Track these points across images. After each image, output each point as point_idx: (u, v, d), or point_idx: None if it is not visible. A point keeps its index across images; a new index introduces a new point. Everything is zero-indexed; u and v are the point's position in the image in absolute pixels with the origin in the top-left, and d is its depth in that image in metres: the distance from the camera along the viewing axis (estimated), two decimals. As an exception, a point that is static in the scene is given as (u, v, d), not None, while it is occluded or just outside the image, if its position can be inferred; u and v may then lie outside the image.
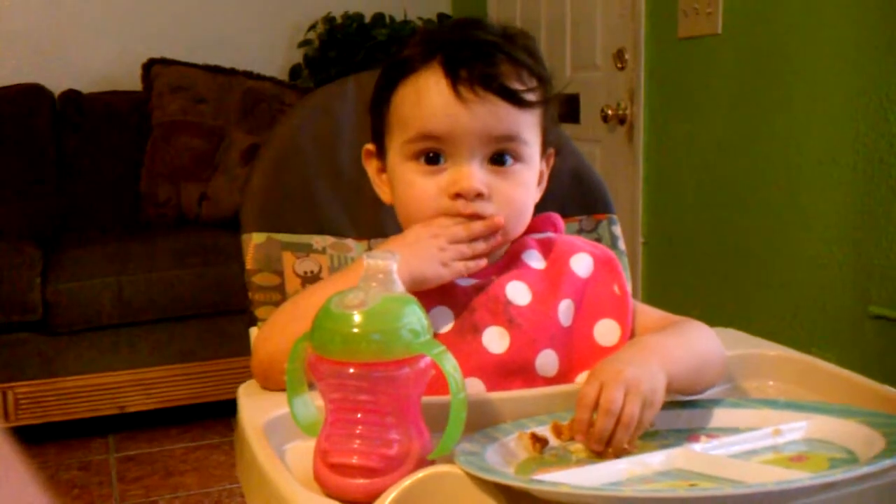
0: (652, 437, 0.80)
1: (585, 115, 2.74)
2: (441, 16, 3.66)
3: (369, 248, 1.08)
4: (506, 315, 0.91)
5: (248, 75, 3.28)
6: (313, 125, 1.12)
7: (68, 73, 3.35)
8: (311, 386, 0.74)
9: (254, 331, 1.01)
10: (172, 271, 2.75)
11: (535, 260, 0.96)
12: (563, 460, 0.76)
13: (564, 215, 1.07)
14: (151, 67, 3.25)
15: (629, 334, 0.93)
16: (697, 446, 0.75)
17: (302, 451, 0.76)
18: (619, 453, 0.74)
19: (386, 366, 0.68)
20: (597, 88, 2.67)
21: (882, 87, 1.77)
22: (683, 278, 2.42)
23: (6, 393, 2.64)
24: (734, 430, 0.80)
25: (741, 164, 2.16)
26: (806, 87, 1.95)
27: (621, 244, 1.16)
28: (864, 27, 1.80)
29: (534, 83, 0.91)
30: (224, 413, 2.81)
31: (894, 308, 1.77)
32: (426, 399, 0.72)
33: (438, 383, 0.70)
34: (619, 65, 2.57)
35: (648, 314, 0.97)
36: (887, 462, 0.64)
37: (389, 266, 0.70)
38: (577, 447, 0.77)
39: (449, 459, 0.69)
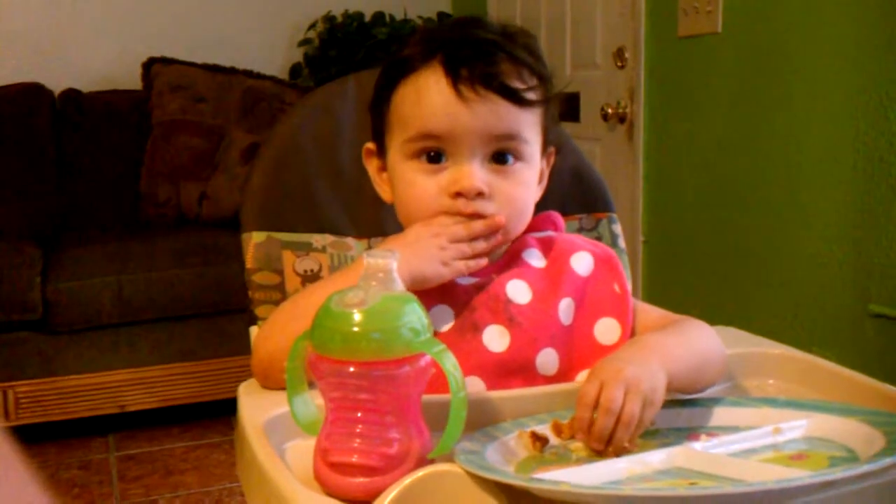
0: (652, 436, 0.80)
1: (585, 114, 2.74)
2: (441, 14, 3.66)
3: (369, 247, 1.08)
4: (506, 314, 0.91)
5: (248, 74, 3.28)
6: (313, 124, 1.12)
7: (68, 73, 3.35)
8: (311, 385, 0.74)
9: (254, 330, 1.01)
10: (172, 270, 2.75)
11: (535, 258, 0.96)
12: (563, 459, 0.76)
13: (565, 214, 1.07)
14: (151, 66, 3.25)
15: (629, 333, 0.93)
16: (698, 445, 0.75)
17: (302, 449, 0.76)
18: (620, 452, 0.74)
19: (386, 364, 0.68)
20: (597, 87, 2.67)
21: (882, 86, 1.77)
22: (683, 277, 2.42)
23: (6, 392, 2.64)
24: (734, 429, 0.80)
25: (741, 163, 2.16)
26: (806, 85, 1.95)
27: (621, 243, 1.16)
28: (864, 26, 1.80)
29: (534, 82, 0.91)
30: (224, 412, 2.81)
31: (894, 307, 1.77)
32: (426, 398, 0.72)
33: (438, 382, 0.70)
34: (619, 63, 2.57)
35: (648, 313, 0.97)
36: (887, 460, 0.64)
37: (389, 265, 0.70)
38: (578, 446, 0.77)
39: (449, 458, 0.69)
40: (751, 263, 2.15)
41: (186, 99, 3.17)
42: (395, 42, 3.20)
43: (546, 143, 0.96)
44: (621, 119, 2.58)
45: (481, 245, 0.89)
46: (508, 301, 0.91)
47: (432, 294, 0.89)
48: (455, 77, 0.88)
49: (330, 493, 0.69)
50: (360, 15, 3.52)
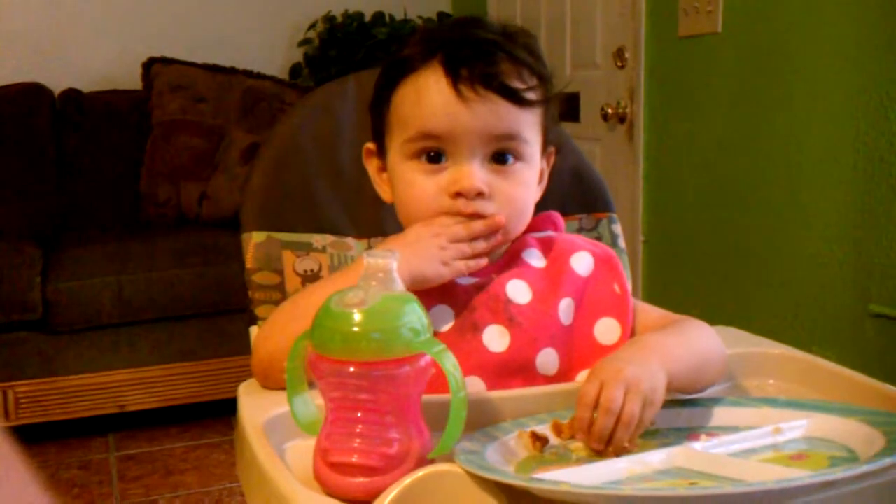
0: (652, 436, 0.80)
1: (585, 114, 2.74)
2: (441, 14, 3.66)
3: (369, 247, 1.08)
4: (506, 314, 0.91)
5: (248, 74, 3.28)
6: (313, 124, 1.12)
7: (68, 73, 3.35)
8: (311, 385, 0.74)
9: (254, 330, 1.01)
10: (172, 270, 2.75)
11: (535, 258, 0.96)
12: (563, 459, 0.76)
13: (564, 214, 1.07)
14: (151, 66, 3.25)
15: (629, 333, 0.93)
16: (698, 445, 0.75)
17: (302, 449, 0.76)
18: (620, 452, 0.74)
19: (386, 364, 0.68)
20: (597, 87, 2.67)
21: (882, 86, 1.77)
22: (684, 277, 2.42)
23: (6, 392, 2.64)
24: (734, 429, 0.80)
25: (741, 163, 2.16)
26: (806, 85, 1.95)
27: (621, 242, 1.16)
28: (865, 25, 1.80)
29: (534, 82, 0.91)
30: (224, 412, 2.81)
31: (894, 307, 1.77)
32: (426, 398, 0.72)
33: (438, 382, 0.70)
34: (619, 63, 2.57)
35: (648, 313, 0.97)
36: (887, 460, 0.64)
37: (389, 265, 0.70)
38: (578, 446, 0.77)
39: (449, 458, 0.69)
40: (751, 263, 2.15)
41: (186, 99, 3.17)
42: (395, 42, 3.20)
43: (546, 143, 0.96)
44: (621, 119, 2.58)
45: (481, 245, 0.89)
46: (508, 301, 0.91)
47: (432, 294, 0.89)
48: (455, 77, 0.88)
49: (330, 493, 0.69)
50: (360, 15, 3.52)
